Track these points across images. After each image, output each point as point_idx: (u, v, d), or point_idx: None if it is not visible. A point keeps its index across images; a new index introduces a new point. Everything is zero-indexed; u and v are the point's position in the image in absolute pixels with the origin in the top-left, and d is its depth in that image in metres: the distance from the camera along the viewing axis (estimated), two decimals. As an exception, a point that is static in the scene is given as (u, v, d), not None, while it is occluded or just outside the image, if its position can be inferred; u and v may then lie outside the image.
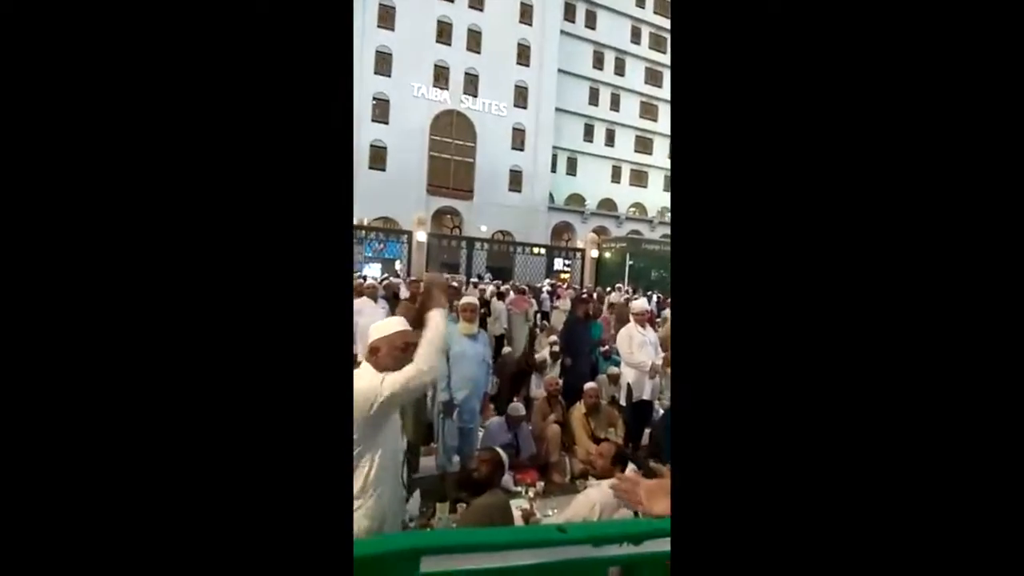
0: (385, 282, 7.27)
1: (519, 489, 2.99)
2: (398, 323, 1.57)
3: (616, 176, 23.85)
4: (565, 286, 11.49)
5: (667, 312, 7.12)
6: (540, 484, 3.11)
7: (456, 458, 3.14)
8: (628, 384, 3.84)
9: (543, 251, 17.65)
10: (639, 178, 24.34)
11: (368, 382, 1.43)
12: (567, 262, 17.78)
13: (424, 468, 3.25)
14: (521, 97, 20.88)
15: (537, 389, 4.19)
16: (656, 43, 23.90)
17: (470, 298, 3.37)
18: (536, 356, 4.83)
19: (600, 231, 21.35)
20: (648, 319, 4.26)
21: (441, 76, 19.60)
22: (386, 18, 18.54)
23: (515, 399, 3.62)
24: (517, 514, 2.33)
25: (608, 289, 10.66)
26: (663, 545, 1.33)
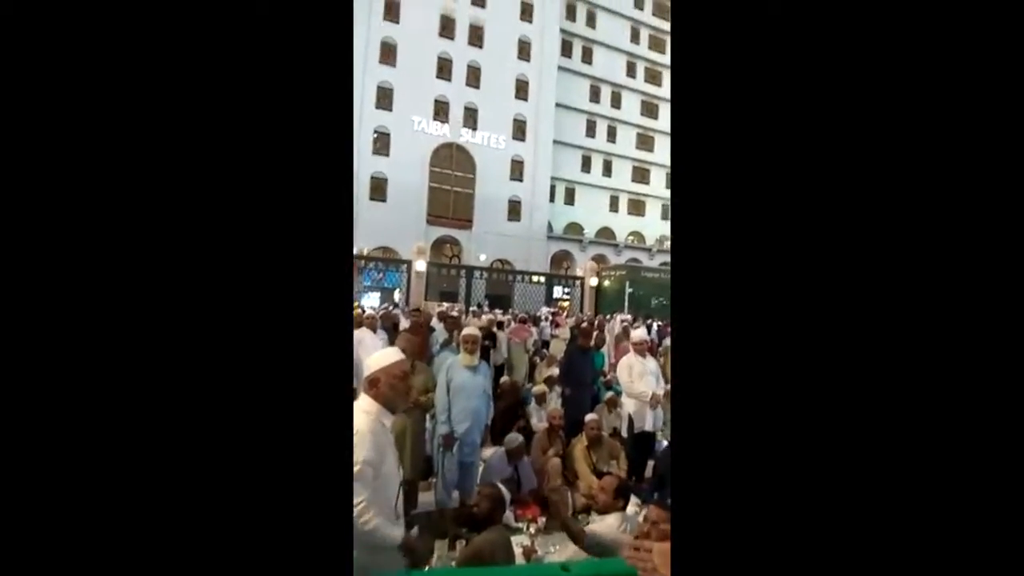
0: (383, 312, 7.27)
1: (520, 525, 2.92)
2: (394, 354, 1.57)
3: (614, 205, 24.17)
4: (564, 314, 11.48)
5: (668, 341, 7.10)
6: (541, 520, 3.03)
7: (456, 493, 3.07)
8: (629, 415, 3.80)
9: (542, 279, 17.71)
10: (637, 207, 24.67)
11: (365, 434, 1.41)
12: (566, 290, 17.81)
13: (422, 503, 3.18)
14: (520, 130, 21.37)
15: (540, 423, 4.13)
16: (651, 77, 24.64)
17: (472, 330, 3.36)
18: (535, 388, 4.78)
19: (599, 259, 21.47)
20: (648, 348, 4.25)
21: (441, 110, 20.10)
22: (388, 54, 19.15)
23: (513, 429, 3.57)
24: (518, 551, 2.27)
25: (608, 317, 10.65)
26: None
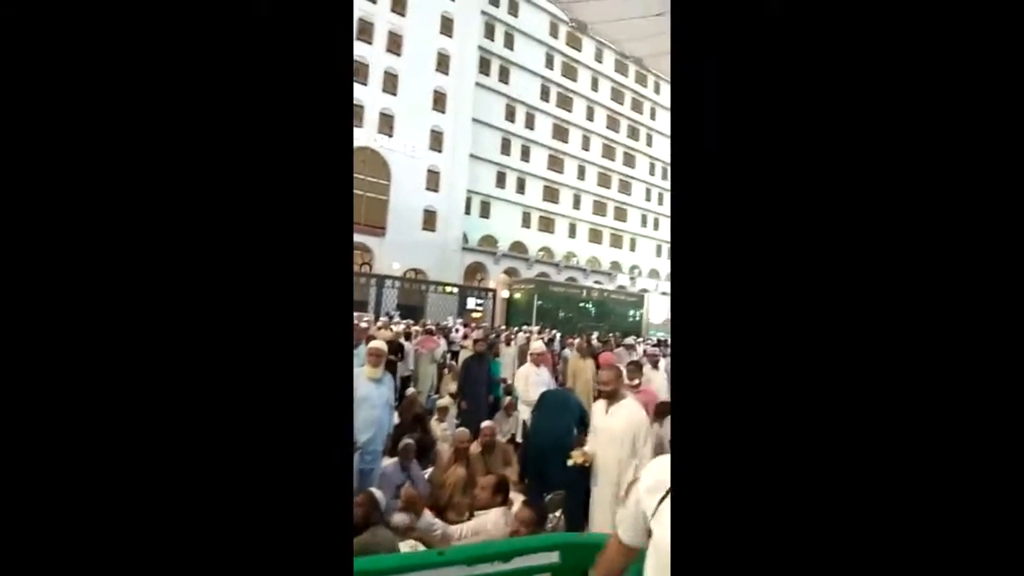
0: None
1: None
2: None
3: (526, 221, 25.10)
4: (473, 326, 11.74)
5: (567, 352, 7.61)
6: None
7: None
8: (524, 421, 4.12)
9: (455, 290, 17.86)
10: (547, 225, 25.84)
11: None
12: (479, 302, 18.12)
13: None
14: (437, 141, 21.50)
15: (443, 433, 4.27)
16: (563, 102, 26.12)
17: (378, 343, 3.46)
18: (439, 401, 4.93)
19: (511, 272, 22.16)
20: (544, 360, 4.63)
21: (356, 114, 19.63)
22: (300, 53, 18.37)
23: (407, 437, 3.71)
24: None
25: (516, 329, 11.08)
26: (529, 561, 1.58)
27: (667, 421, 3.20)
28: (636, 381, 3.91)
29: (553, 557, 1.62)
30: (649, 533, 0.90)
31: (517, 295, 17.90)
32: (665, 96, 30.25)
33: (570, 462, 2.32)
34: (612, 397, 2.45)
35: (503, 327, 12.80)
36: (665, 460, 0.91)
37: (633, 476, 2.23)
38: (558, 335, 10.38)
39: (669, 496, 0.84)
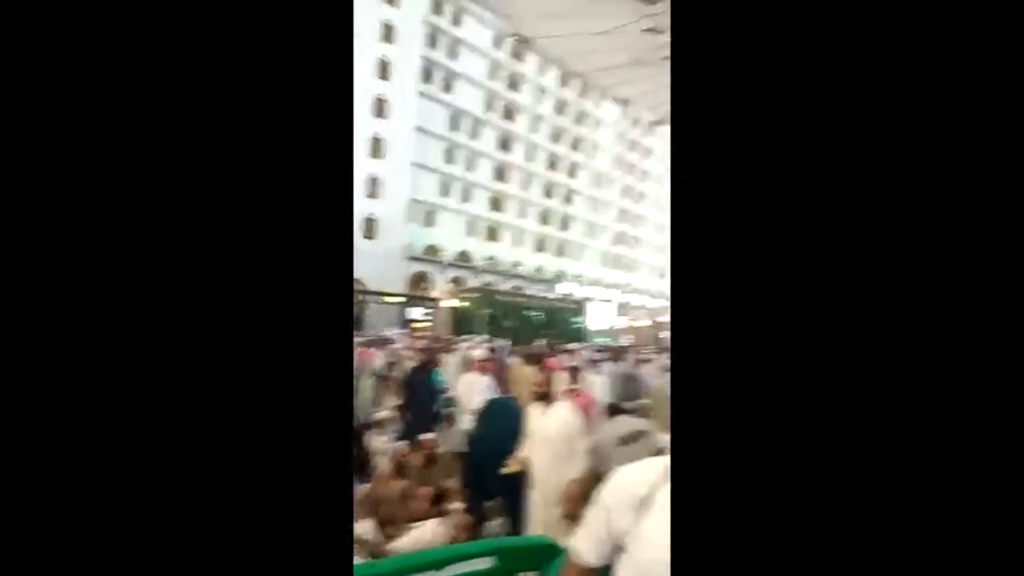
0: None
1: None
2: None
3: (472, 230, 25.11)
4: (417, 336, 11.53)
5: (511, 359, 7.63)
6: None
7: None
8: (466, 430, 4.08)
9: (398, 300, 17.47)
10: (492, 234, 26.00)
11: None
12: (427, 311, 17.82)
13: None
14: (377, 148, 21.09)
15: (382, 447, 4.14)
16: (507, 114, 26.50)
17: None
18: (377, 415, 4.78)
19: (457, 281, 22.03)
20: (487, 368, 4.63)
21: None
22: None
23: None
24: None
25: (461, 339, 10.98)
26: (461, 568, 1.56)
27: (620, 418, 3.26)
28: (575, 386, 3.99)
29: (489, 562, 1.61)
30: (620, 549, 0.84)
31: (463, 304, 17.80)
32: (606, 110, 31.47)
33: (505, 470, 2.33)
34: (546, 399, 2.49)
35: (449, 336, 12.65)
36: (630, 474, 0.86)
37: (570, 477, 2.27)
38: (504, 343, 10.41)
39: (651, 509, 0.80)
